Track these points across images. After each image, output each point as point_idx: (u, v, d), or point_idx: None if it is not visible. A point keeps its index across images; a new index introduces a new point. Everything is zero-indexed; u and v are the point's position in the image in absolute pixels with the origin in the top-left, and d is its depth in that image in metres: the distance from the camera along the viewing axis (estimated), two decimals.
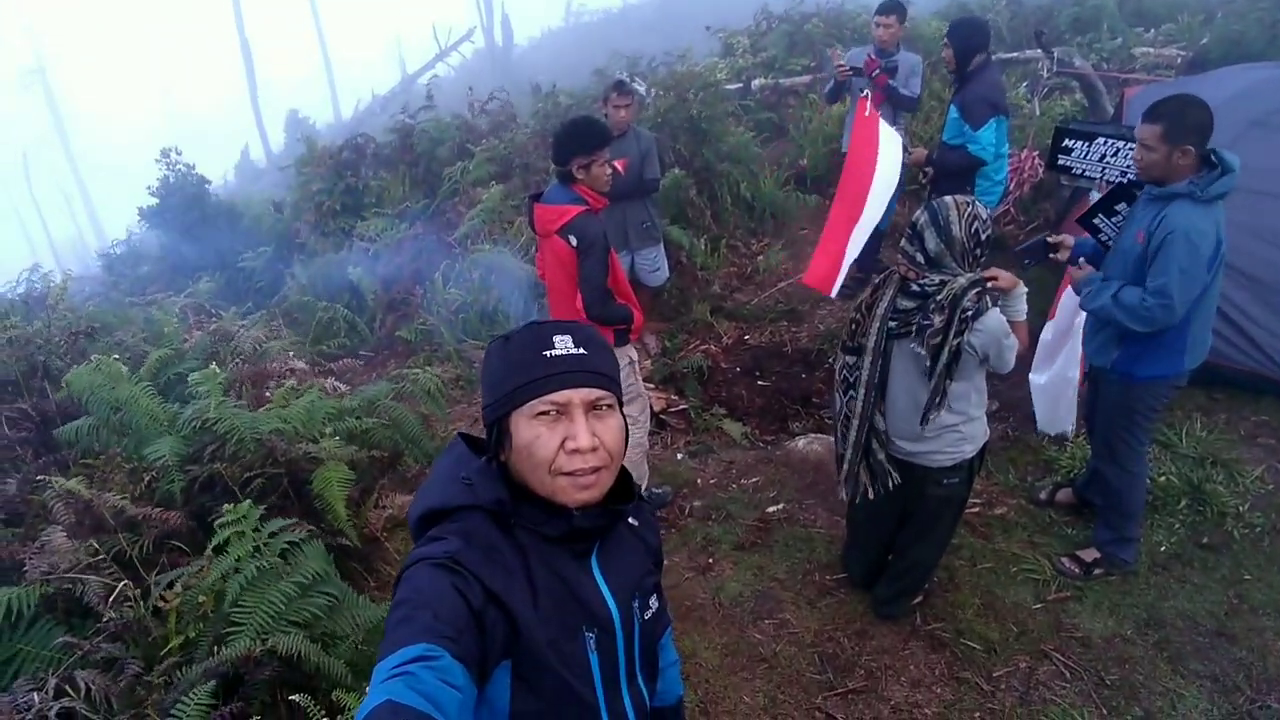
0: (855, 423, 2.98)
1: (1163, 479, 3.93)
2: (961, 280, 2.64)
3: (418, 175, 8.03)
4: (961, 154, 4.84)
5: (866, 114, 4.60)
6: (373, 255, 7.00)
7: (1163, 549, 3.64)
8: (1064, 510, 3.97)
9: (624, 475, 1.35)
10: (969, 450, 2.95)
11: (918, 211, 2.76)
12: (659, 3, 31.76)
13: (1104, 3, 10.44)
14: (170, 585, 2.71)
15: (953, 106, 4.93)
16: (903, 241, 2.80)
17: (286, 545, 2.80)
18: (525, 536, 1.22)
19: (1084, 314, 3.88)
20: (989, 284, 2.71)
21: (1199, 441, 4.22)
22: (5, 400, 3.95)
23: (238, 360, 4.11)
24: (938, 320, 2.63)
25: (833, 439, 3.23)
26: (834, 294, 4.54)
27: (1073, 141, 4.08)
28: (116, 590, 2.62)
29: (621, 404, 1.31)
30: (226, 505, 2.76)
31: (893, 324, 2.81)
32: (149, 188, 8.30)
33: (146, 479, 3.22)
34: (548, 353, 1.21)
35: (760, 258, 7.21)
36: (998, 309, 2.71)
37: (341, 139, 8.80)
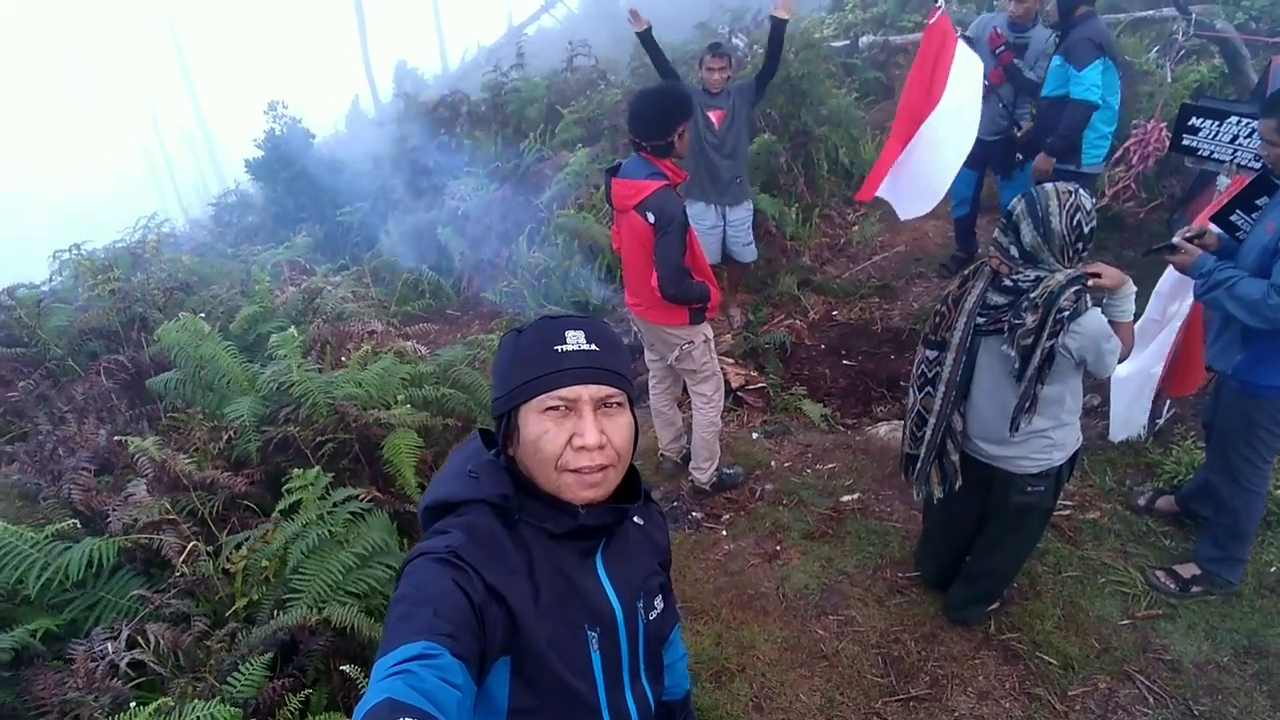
0: (931, 421, 2.81)
1: (1278, 491, 3.57)
2: (1059, 277, 2.40)
3: (509, 135, 8.02)
4: (1065, 106, 4.49)
5: (934, 21, 4.29)
6: (462, 215, 7.06)
7: (1273, 569, 3.32)
8: (1163, 519, 3.66)
9: (631, 474, 1.34)
10: (1058, 458, 2.72)
11: (1014, 199, 2.53)
12: None
13: None
14: (238, 547, 2.79)
15: (1056, 58, 4.54)
16: (995, 232, 2.58)
17: (350, 516, 2.84)
18: (530, 532, 1.21)
19: (1182, 304, 3.54)
20: (1090, 282, 2.46)
21: None
22: (108, 351, 4.15)
23: (320, 320, 4.19)
24: (1030, 320, 2.42)
25: (902, 435, 3.05)
26: (872, 198, 4.48)
27: (1201, 120, 3.67)
28: (189, 548, 2.71)
29: (633, 403, 1.28)
30: (296, 470, 2.81)
31: (981, 320, 2.60)
32: (255, 140, 8.56)
33: (226, 437, 3.33)
34: (559, 348, 1.20)
35: (855, 228, 6.91)
36: (1099, 309, 2.47)
37: (447, 89, 8.84)
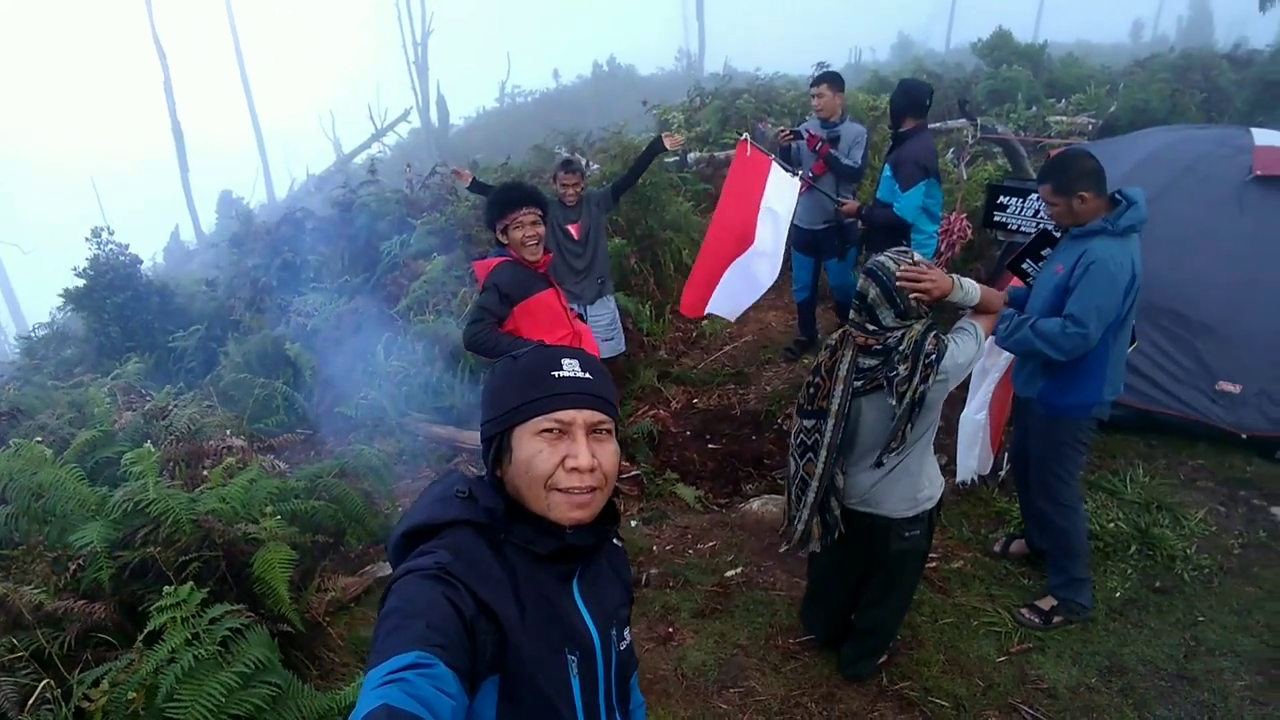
0: (814, 484, 2.94)
1: (1112, 525, 4.00)
2: (917, 327, 2.67)
3: (357, 249, 7.96)
4: (889, 213, 5.03)
5: (748, 154, 4.87)
6: (310, 330, 6.86)
7: (1118, 595, 3.68)
8: (1019, 561, 3.99)
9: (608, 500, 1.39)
10: (926, 499, 2.95)
11: (861, 281, 2.76)
12: (590, 83, 32.83)
13: (1018, 75, 11.14)
14: (96, 683, 2.50)
15: (887, 165, 5.13)
16: (851, 314, 2.81)
17: (228, 633, 2.62)
18: (513, 554, 1.24)
19: (1000, 356, 3.99)
20: (918, 296, 2.70)
21: (1143, 487, 4.32)
22: None
23: (172, 439, 3.92)
24: (903, 370, 2.65)
25: (786, 501, 3.17)
26: (702, 314, 4.99)
27: (1007, 198, 4.26)
28: (36, 692, 2.40)
29: (618, 431, 1.33)
30: (166, 588, 2.58)
31: (858, 383, 2.79)
32: (75, 268, 8.03)
33: (72, 568, 3.01)
34: (556, 373, 1.26)
35: (705, 322, 7.28)
36: (954, 343, 2.73)
37: (277, 217, 8.73)
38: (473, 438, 5.93)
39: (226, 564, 3.20)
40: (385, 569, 4.22)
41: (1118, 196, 3.18)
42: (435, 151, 24.96)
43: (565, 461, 1.22)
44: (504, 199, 3.75)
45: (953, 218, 6.74)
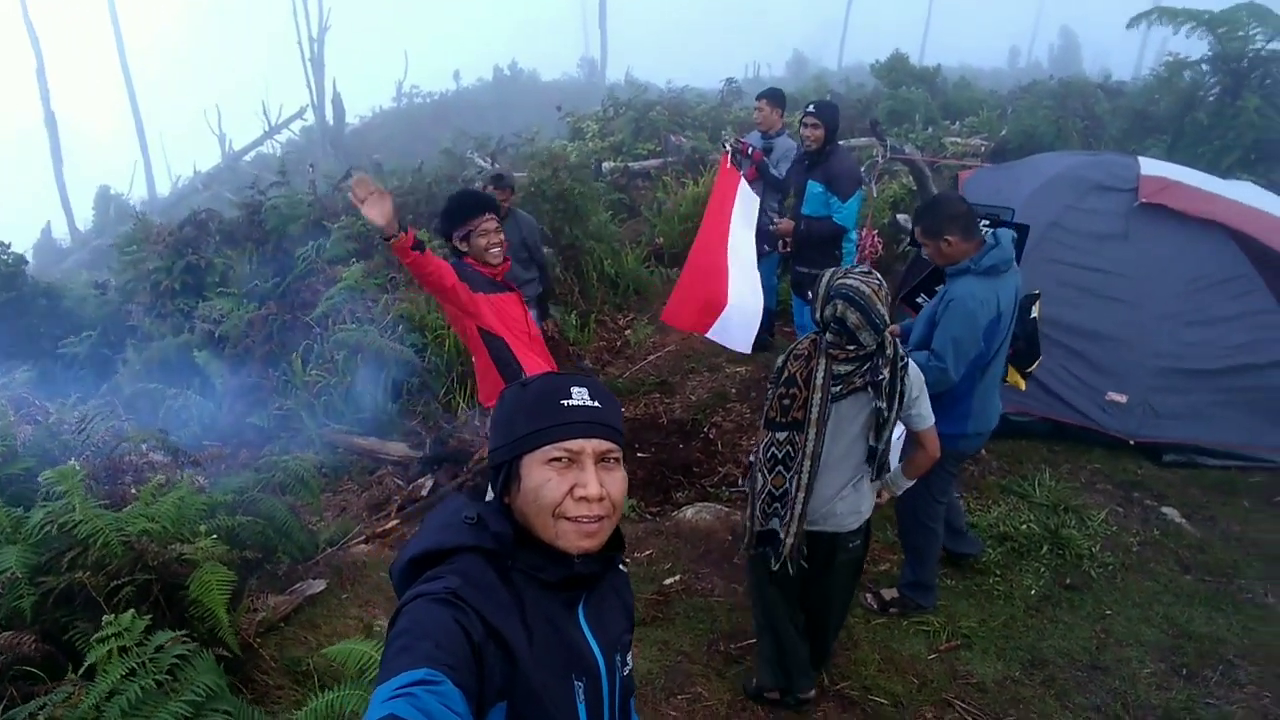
0: (801, 496, 2.89)
1: (1024, 527, 4.29)
2: (886, 335, 2.80)
3: (267, 253, 7.64)
4: (829, 224, 5.29)
5: (728, 167, 5.05)
6: (218, 337, 6.55)
7: (1033, 592, 3.94)
8: (940, 563, 4.17)
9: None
10: (866, 510, 3.06)
11: (834, 306, 2.78)
12: (491, 87, 32.55)
13: (916, 97, 11.71)
14: (31, 718, 2.35)
15: (813, 183, 5.35)
16: (830, 337, 2.83)
17: (176, 660, 2.50)
18: (520, 580, 1.23)
19: None
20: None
21: (1050, 490, 4.65)
22: None
23: (85, 454, 3.68)
24: (886, 372, 2.76)
25: (749, 517, 3.10)
26: (708, 334, 4.81)
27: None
28: None
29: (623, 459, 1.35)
30: (106, 618, 2.44)
31: (836, 389, 2.83)
32: None
33: None
34: (565, 402, 1.25)
35: (629, 332, 7.36)
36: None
37: (160, 217, 8.30)
38: (397, 449, 5.81)
39: (160, 587, 3.05)
40: (315, 586, 4.09)
41: (990, 238, 3.35)
42: (330, 150, 24.20)
43: (574, 490, 1.22)
44: (464, 206, 3.67)
45: (864, 233, 7.05)
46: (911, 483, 3.21)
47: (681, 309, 4.94)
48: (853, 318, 2.74)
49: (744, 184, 4.94)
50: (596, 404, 1.27)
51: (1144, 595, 3.92)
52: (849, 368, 2.82)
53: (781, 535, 2.97)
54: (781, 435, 2.91)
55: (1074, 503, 4.54)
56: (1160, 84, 9.98)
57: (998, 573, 4.07)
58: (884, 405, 2.79)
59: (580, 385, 1.29)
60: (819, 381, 2.81)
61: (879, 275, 2.85)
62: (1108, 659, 3.52)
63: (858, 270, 2.86)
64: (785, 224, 5.64)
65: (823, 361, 2.82)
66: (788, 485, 2.93)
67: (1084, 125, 10.03)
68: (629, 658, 1.41)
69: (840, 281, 2.79)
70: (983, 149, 9.73)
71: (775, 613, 3.22)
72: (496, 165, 10.62)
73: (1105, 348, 5.08)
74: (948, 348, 3.25)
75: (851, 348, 2.80)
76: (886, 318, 2.78)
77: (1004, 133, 10.07)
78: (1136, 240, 5.20)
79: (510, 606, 1.19)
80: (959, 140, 10.29)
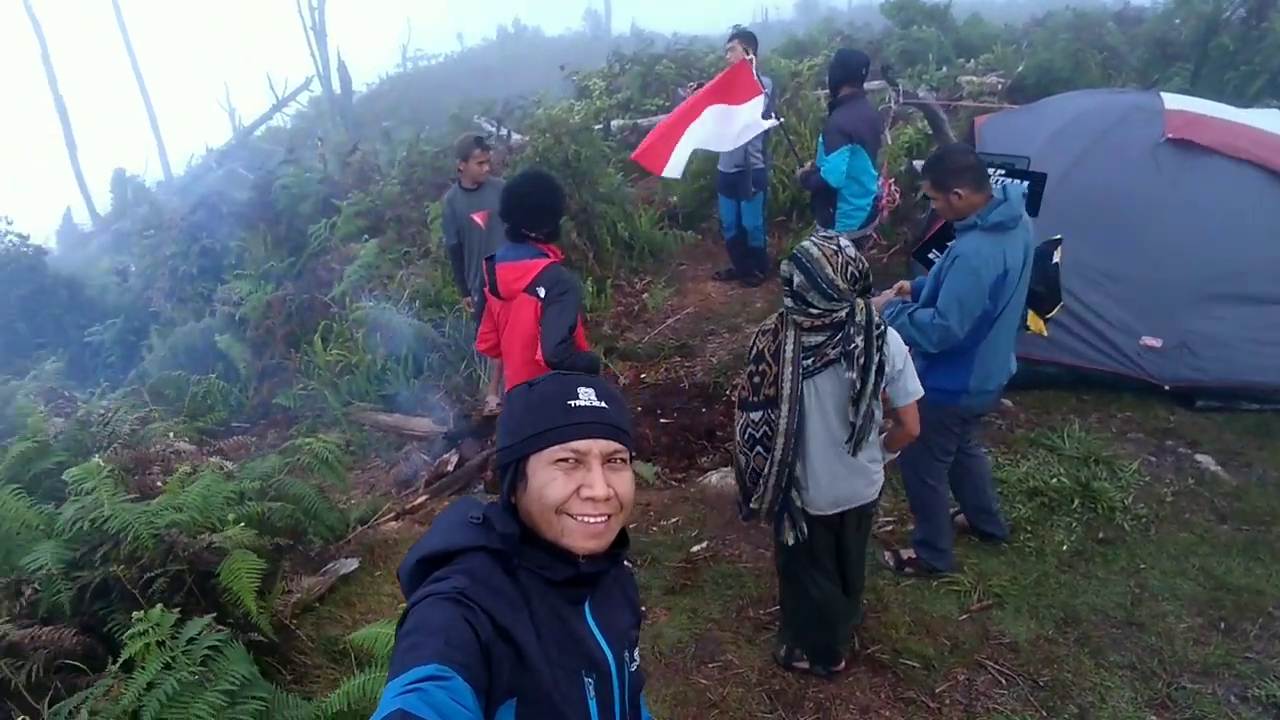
0: (774, 470, 2.84)
1: (1054, 481, 4.21)
2: (860, 302, 2.70)
3: (280, 233, 7.64)
4: (817, 178, 5.24)
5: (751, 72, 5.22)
6: (239, 320, 6.58)
7: (1065, 548, 3.89)
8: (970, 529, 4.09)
9: None
10: (881, 473, 3.02)
11: (785, 266, 2.75)
12: (496, 46, 32.05)
13: (928, 35, 11.36)
14: (72, 713, 2.40)
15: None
16: (787, 300, 2.77)
17: (208, 651, 2.54)
18: (527, 579, 1.24)
19: None
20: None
21: (1079, 442, 4.55)
22: None
23: (114, 447, 3.73)
24: (860, 341, 2.67)
25: (739, 490, 3.07)
26: (663, 174, 5.28)
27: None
28: None
29: (632, 459, 1.34)
30: (136, 613, 2.48)
31: (808, 362, 2.76)
32: None
33: (27, 592, 2.85)
34: (572, 402, 1.26)
35: (646, 295, 7.29)
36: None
37: (177, 197, 8.32)
38: (421, 425, 5.84)
39: (192, 577, 3.09)
40: (347, 565, 4.15)
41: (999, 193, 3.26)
42: (340, 121, 24.01)
43: (580, 490, 1.23)
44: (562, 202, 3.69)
45: (880, 183, 6.91)
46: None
47: (648, 151, 5.26)
48: (798, 279, 2.68)
49: (760, 101, 5.17)
50: (603, 405, 1.27)
51: (1179, 547, 3.85)
52: (819, 338, 2.72)
53: (752, 499, 2.95)
54: (756, 415, 2.83)
55: (1105, 454, 4.45)
56: (1181, 6, 9.59)
57: (1028, 529, 4.00)
58: (855, 376, 2.70)
59: (587, 386, 1.29)
60: (789, 354, 2.73)
61: (846, 244, 2.72)
62: (1143, 614, 3.47)
63: (821, 235, 2.78)
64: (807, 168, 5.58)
65: (791, 333, 2.74)
66: (764, 466, 2.86)
67: (1103, 57, 9.68)
68: (636, 653, 1.42)
69: (800, 245, 2.75)
70: (999, 87, 9.43)
71: (816, 585, 3.14)
72: (504, 129, 10.50)
73: (1137, 289, 4.92)
74: (952, 306, 3.18)
75: (815, 312, 2.69)
76: (838, 284, 2.65)
77: (1020, 69, 9.74)
78: (1166, 177, 5.04)
79: (518, 605, 1.20)
80: (974, 79, 9.97)
